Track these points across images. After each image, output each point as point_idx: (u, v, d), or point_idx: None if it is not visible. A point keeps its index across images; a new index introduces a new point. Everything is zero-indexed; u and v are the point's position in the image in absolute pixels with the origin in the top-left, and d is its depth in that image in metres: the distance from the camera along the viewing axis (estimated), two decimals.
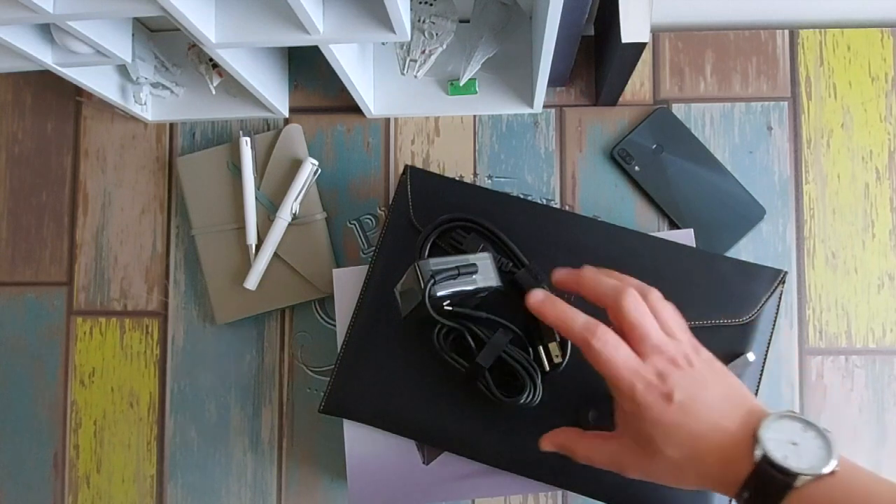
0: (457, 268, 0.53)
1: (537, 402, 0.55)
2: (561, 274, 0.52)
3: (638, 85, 0.68)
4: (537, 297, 0.49)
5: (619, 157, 0.67)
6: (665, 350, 0.46)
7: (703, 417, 0.44)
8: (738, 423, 0.44)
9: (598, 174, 0.68)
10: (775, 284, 0.59)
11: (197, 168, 0.69)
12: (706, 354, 0.48)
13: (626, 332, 0.47)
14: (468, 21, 0.65)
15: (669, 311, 0.49)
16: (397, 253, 0.61)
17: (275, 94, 0.67)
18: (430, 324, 0.55)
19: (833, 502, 0.40)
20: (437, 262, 0.53)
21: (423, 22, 0.61)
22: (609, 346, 0.45)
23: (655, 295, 0.49)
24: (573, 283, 0.51)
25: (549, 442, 0.52)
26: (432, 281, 0.52)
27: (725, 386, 0.46)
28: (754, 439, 0.42)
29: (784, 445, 0.41)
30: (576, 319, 0.47)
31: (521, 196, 0.66)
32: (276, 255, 0.67)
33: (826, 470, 0.40)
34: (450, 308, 0.55)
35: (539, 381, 0.55)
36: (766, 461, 0.41)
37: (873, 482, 0.41)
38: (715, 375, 0.46)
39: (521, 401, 0.55)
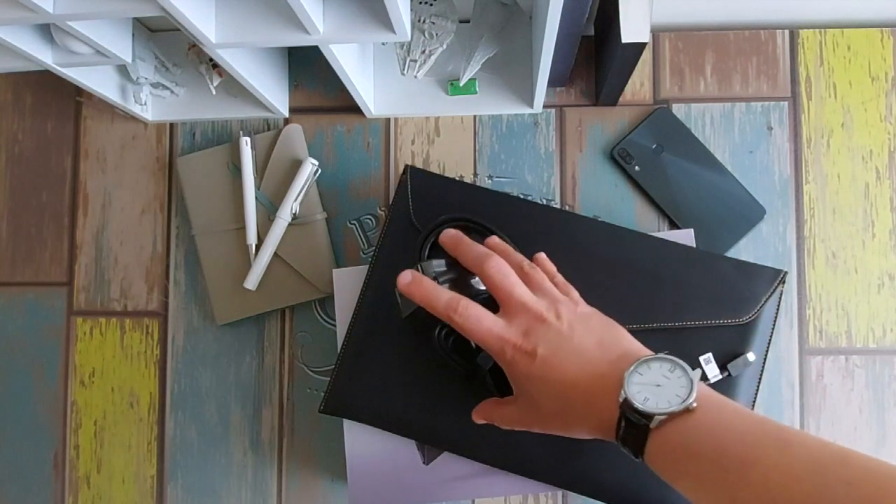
0: (459, 270, 0.53)
1: None
2: (447, 235, 0.54)
3: (638, 85, 0.68)
4: (405, 280, 0.51)
5: (619, 157, 0.67)
6: (531, 308, 0.48)
7: (568, 367, 0.45)
8: (606, 368, 0.45)
9: (598, 174, 0.68)
10: (775, 284, 0.59)
11: (197, 168, 0.69)
12: (584, 309, 0.49)
13: (494, 295, 0.49)
14: (468, 21, 0.65)
15: (539, 273, 0.51)
16: (397, 253, 0.61)
17: (275, 94, 0.67)
18: (431, 324, 0.55)
19: (688, 439, 0.41)
20: (439, 264, 0.53)
21: (423, 22, 0.61)
22: (471, 319, 0.48)
23: (527, 262, 0.51)
24: (451, 247, 0.53)
25: (478, 415, 0.53)
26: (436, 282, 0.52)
27: (599, 334, 0.47)
28: (619, 385, 0.43)
29: (647, 388, 0.42)
30: (439, 298, 0.49)
31: (521, 196, 0.66)
32: (276, 255, 0.67)
33: (679, 408, 0.41)
34: None
35: None
36: (627, 404, 0.42)
37: (732, 416, 0.41)
38: (586, 325, 0.47)
39: None
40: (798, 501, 0.36)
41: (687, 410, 0.42)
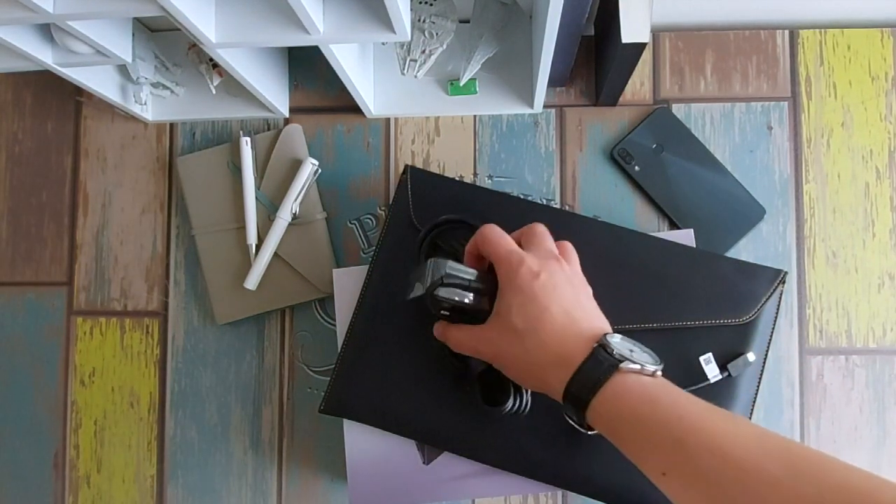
0: (468, 281, 0.52)
1: (526, 412, 0.55)
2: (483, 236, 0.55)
3: (638, 85, 0.68)
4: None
5: (619, 157, 0.67)
6: (550, 249, 0.52)
7: (557, 301, 0.49)
8: (584, 322, 0.49)
9: (598, 174, 0.68)
10: (775, 284, 0.59)
11: (197, 168, 0.69)
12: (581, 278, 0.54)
13: (524, 237, 0.53)
14: (468, 21, 0.65)
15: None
16: (397, 253, 0.61)
17: (275, 94, 0.67)
18: (430, 320, 0.55)
19: (647, 394, 0.45)
20: (452, 267, 0.52)
21: (424, 22, 0.61)
22: (498, 233, 0.52)
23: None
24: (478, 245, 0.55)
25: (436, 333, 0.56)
26: (440, 282, 0.51)
27: (588, 301, 0.51)
28: (596, 338, 0.47)
29: (623, 348, 0.47)
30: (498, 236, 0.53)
31: (521, 196, 0.66)
32: (276, 255, 0.67)
33: (650, 368, 0.46)
34: (447, 313, 0.54)
35: (526, 393, 0.55)
36: (602, 346, 0.47)
37: (688, 396, 0.46)
38: (585, 287, 0.52)
39: (506, 410, 0.54)
40: (744, 452, 0.41)
41: (653, 374, 0.47)
